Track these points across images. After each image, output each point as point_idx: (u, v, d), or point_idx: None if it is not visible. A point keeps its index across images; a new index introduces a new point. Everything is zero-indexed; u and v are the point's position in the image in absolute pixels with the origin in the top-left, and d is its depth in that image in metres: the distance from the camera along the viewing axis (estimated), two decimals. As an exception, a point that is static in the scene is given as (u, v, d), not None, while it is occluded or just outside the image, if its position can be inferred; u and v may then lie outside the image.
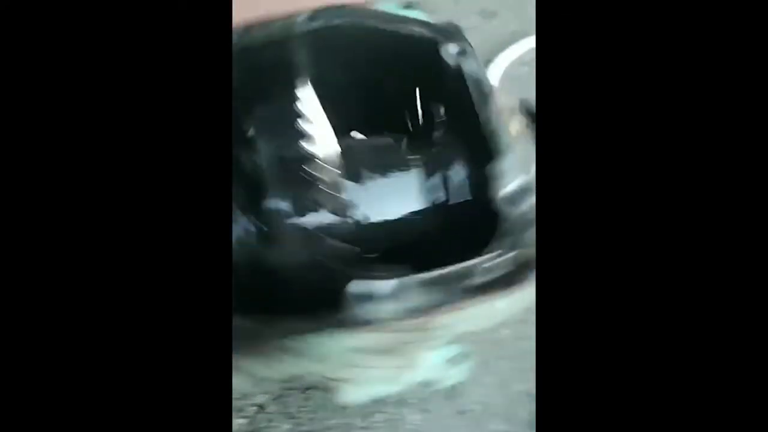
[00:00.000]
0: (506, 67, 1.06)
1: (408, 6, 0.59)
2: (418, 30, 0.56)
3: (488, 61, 1.09)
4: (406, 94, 0.63)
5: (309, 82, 0.57)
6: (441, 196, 0.61)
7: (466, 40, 0.57)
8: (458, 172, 0.60)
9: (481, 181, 0.56)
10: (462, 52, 0.57)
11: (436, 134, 0.62)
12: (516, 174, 0.53)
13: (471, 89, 0.56)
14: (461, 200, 0.60)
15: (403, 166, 0.60)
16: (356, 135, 0.60)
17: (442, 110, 0.62)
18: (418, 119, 0.64)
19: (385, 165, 0.60)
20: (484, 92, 0.57)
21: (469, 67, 0.57)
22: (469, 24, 1.21)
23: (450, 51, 0.57)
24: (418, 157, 0.60)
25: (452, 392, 0.79)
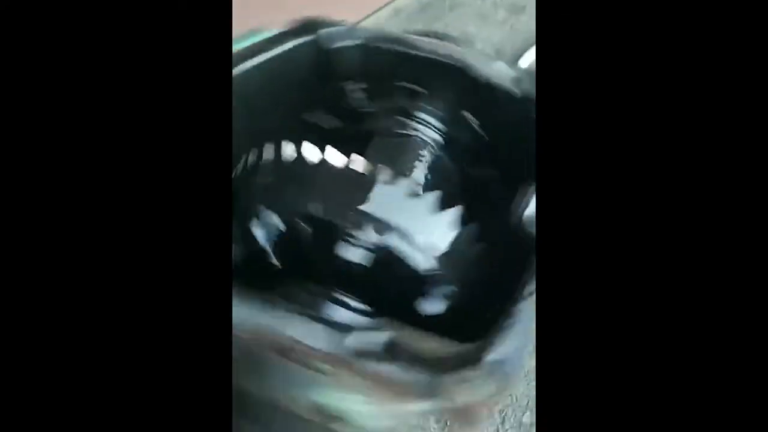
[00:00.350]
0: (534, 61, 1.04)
1: (254, 32, 0.57)
2: (289, 43, 0.55)
3: (518, 56, 1.08)
4: (339, 96, 0.62)
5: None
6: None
7: (327, 21, 0.56)
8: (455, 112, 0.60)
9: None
10: (346, 30, 0.56)
11: (402, 102, 0.61)
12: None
13: (390, 44, 0.56)
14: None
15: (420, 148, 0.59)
16: (356, 158, 0.56)
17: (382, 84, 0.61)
18: (358, 110, 0.62)
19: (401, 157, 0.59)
20: (402, 38, 0.56)
21: (366, 33, 0.56)
22: (497, 18, 1.21)
23: (334, 35, 0.56)
24: (414, 131, 0.60)
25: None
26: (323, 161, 0.49)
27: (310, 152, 0.49)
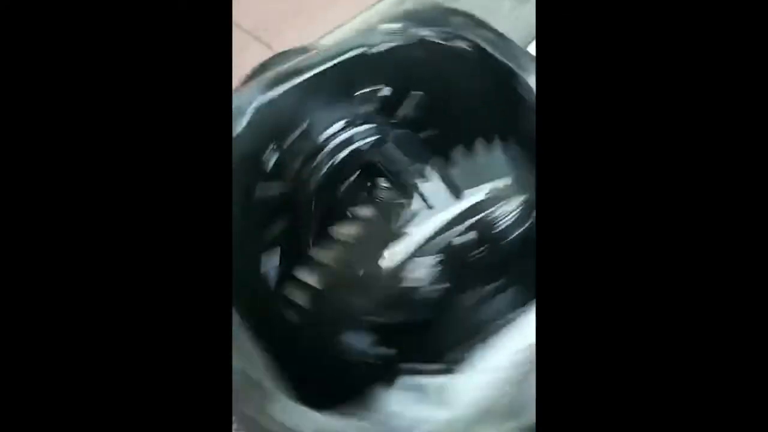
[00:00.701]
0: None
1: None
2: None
3: (525, 45, 1.06)
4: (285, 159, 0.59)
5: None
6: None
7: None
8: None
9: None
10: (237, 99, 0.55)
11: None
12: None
13: (292, 79, 0.55)
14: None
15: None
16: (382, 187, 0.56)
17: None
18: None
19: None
20: (294, 68, 0.55)
21: (255, 88, 0.55)
22: (503, 8, 1.21)
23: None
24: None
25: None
26: (364, 220, 0.46)
27: (346, 229, 0.46)
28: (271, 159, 0.57)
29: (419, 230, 0.44)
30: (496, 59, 0.54)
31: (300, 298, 0.46)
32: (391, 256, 0.44)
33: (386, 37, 0.56)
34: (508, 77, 0.53)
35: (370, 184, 0.57)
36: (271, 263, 0.57)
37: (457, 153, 0.48)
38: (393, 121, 0.59)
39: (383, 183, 0.54)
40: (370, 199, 0.54)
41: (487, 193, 0.46)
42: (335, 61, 0.55)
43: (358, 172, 0.57)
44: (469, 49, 0.55)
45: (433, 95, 0.59)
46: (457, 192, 0.45)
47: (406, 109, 0.59)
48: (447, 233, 0.45)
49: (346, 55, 0.55)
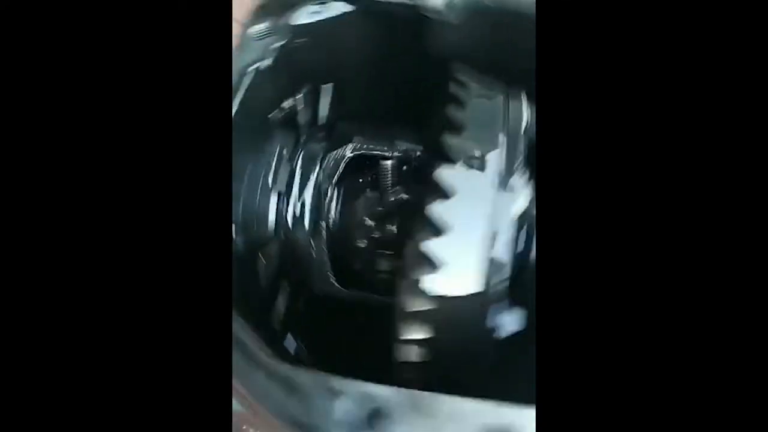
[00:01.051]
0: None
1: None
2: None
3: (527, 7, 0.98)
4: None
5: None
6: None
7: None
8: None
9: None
10: None
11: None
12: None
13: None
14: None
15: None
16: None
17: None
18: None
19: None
20: None
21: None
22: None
23: None
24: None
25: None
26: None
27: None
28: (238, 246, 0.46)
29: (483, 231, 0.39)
30: (386, 3, 0.49)
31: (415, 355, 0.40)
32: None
33: (265, 42, 0.48)
34: (408, 12, 0.49)
35: (361, 180, 0.51)
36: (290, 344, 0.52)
37: (444, 134, 0.42)
38: (324, 121, 0.52)
39: (386, 162, 0.48)
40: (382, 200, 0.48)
41: (503, 132, 0.42)
42: (240, 95, 0.46)
43: (335, 183, 0.49)
44: (352, 8, 0.50)
45: (345, 79, 0.53)
46: (481, 166, 0.40)
47: (328, 104, 0.52)
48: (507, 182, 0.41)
49: (246, 85, 0.46)
